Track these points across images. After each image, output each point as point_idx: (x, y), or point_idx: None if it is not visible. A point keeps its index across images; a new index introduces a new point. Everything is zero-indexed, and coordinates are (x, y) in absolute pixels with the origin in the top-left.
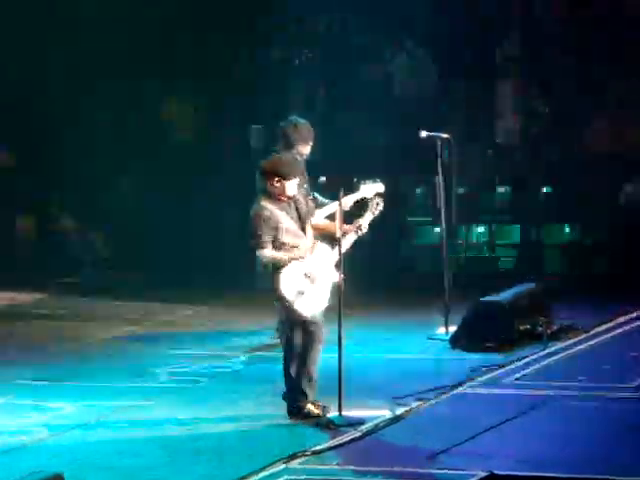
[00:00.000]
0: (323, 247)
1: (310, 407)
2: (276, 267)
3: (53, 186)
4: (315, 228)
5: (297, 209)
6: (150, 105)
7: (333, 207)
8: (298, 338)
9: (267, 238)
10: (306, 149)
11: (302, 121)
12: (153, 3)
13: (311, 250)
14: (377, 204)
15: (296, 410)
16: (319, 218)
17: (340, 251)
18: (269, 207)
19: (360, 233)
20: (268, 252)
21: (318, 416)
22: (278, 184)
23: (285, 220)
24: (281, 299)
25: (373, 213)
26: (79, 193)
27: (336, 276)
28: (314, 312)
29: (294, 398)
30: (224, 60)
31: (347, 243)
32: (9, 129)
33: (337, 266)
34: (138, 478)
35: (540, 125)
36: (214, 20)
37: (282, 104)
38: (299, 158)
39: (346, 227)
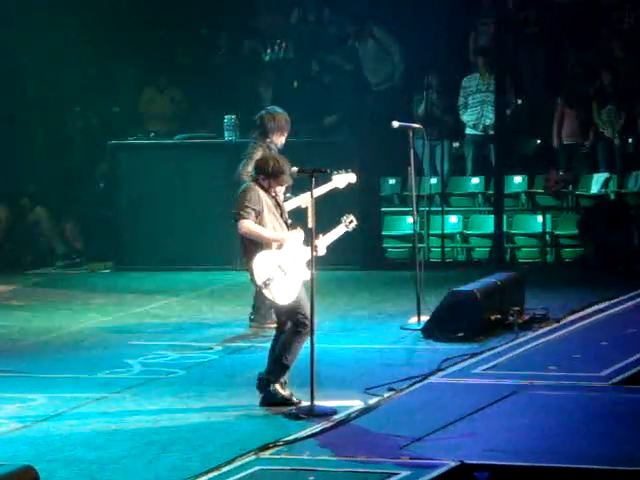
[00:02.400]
0: (299, 237)
1: (277, 387)
2: (251, 248)
3: (26, 177)
4: None
5: (279, 205)
6: (125, 94)
7: (300, 199)
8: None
9: (251, 211)
10: (281, 139)
11: (279, 111)
12: None
13: (286, 242)
14: (351, 221)
15: (264, 383)
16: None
17: (313, 243)
18: (257, 189)
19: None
20: (249, 222)
21: (284, 399)
22: (265, 182)
23: (269, 205)
24: (253, 282)
25: (347, 227)
26: (52, 183)
27: (307, 273)
28: (284, 301)
29: (269, 371)
30: (200, 50)
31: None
32: None
33: (309, 260)
34: (108, 470)
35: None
36: (189, 11)
37: (255, 95)
38: (274, 147)
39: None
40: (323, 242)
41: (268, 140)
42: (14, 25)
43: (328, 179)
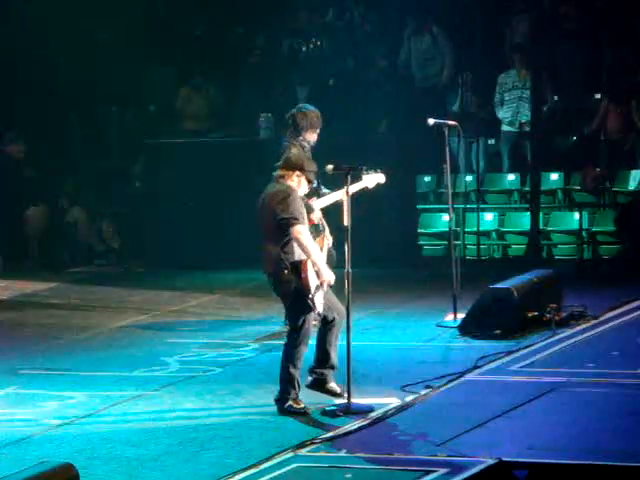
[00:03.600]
0: (326, 243)
1: (292, 402)
2: (299, 255)
3: (64, 176)
4: None
5: (306, 205)
6: (163, 93)
7: (333, 197)
8: (305, 340)
9: (300, 215)
10: (313, 137)
11: (311, 108)
12: None
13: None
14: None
15: (283, 401)
16: (316, 208)
17: (348, 241)
18: (297, 190)
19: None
20: (305, 230)
21: (299, 412)
22: (297, 178)
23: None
24: (306, 290)
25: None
26: (89, 183)
27: (331, 276)
28: (322, 310)
29: (285, 389)
30: (238, 49)
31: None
32: (20, 119)
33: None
34: (147, 467)
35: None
36: (227, 9)
37: (292, 93)
38: (306, 145)
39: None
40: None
41: (300, 138)
42: (51, 25)
43: (359, 178)
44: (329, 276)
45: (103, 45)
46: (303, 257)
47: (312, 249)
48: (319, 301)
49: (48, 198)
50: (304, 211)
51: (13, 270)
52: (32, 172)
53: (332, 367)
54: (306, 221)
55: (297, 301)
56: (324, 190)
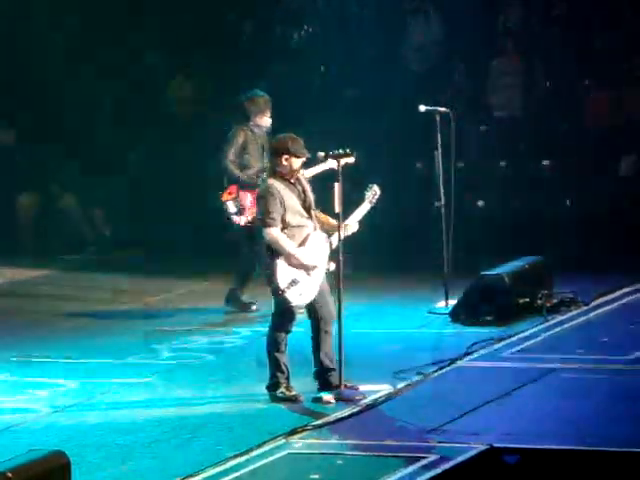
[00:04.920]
0: (320, 236)
1: (284, 389)
2: (275, 252)
3: (55, 163)
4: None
5: (303, 192)
6: (152, 78)
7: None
8: (284, 326)
9: (275, 216)
10: (263, 120)
11: (260, 93)
12: None
13: (309, 240)
14: (374, 193)
15: (273, 386)
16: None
17: (340, 228)
18: (276, 185)
19: (348, 232)
20: (276, 232)
21: (291, 399)
22: (286, 162)
23: (290, 200)
24: (273, 286)
25: (370, 202)
26: (80, 170)
27: (330, 265)
28: (302, 302)
29: (273, 375)
30: (227, 36)
31: (349, 230)
32: (9, 106)
33: (335, 249)
34: (137, 455)
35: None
36: None
37: (282, 79)
38: (257, 130)
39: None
40: (353, 219)
41: (251, 123)
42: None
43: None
44: (319, 266)
45: (93, 28)
46: (279, 254)
47: (285, 246)
48: (296, 293)
49: (39, 185)
50: (280, 210)
51: (4, 257)
52: (23, 159)
53: (327, 370)
54: (278, 221)
55: (273, 294)
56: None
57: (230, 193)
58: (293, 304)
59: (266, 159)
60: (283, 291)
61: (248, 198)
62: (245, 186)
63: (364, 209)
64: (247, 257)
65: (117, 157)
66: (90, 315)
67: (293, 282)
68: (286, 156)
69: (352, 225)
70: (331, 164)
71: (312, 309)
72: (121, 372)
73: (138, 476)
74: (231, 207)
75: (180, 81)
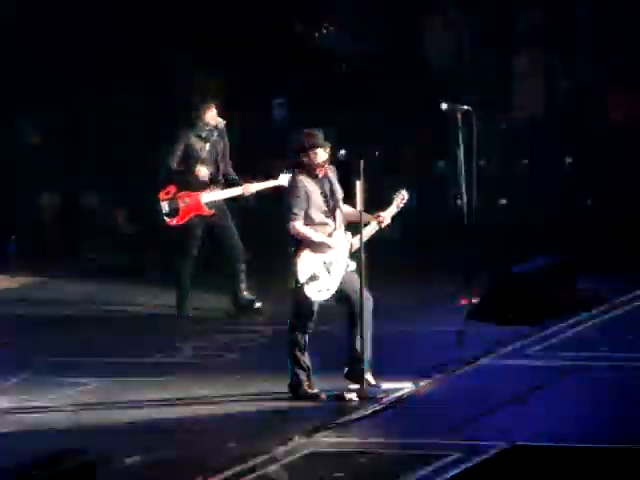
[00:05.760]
0: (342, 235)
1: (305, 388)
2: (299, 244)
3: (78, 164)
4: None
5: (330, 187)
6: (175, 77)
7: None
8: (303, 324)
9: (298, 211)
10: (209, 116)
11: (198, 97)
12: None
13: (333, 236)
14: (402, 197)
15: (294, 385)
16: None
17: (361, 227)
18: (302, 180)
19: (382, 225)
20: (299, 225)
21: (312, 397)
22: (308, 158)
23: (315, 196)
24: (293, 281)
25: (398, 206)
26: (106, 170)
27: (351, 265)
28: (320, 298)
29: (295, 373)
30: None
31: (367, 233)
32: (36, 107)
33: (357, 248)
34: (162, 455)
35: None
36: None
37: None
38: (206, 130)
39: (367, 216)
40: (388, 214)
41: (200, 124)
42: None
43: (275, 177)
44: (339, 260)
45: (120, 28)
46: (302, 247)
47: (312, 236)
48: (315, 289)
49: (64, 185)
50: (303, 204)
51: (28, 257)
52: (47, 158)
53: (356, 360)
54: (301, 216)
55: (293, 289)
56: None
57: (167, 193)
58: (311, 299)
59: (223, 161)
60: (302, 285)
61: (185, 201)
62: (187, 188)
63: (390, 212)
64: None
65: (139, 156)
66: (112, 314)
67: (313, 277)
68: (306, 152)
69: (387, 219)
70: (282, 181)
71: (347, 299)
72: (144, 370)
73: (162, 474)
74: (164, 208)
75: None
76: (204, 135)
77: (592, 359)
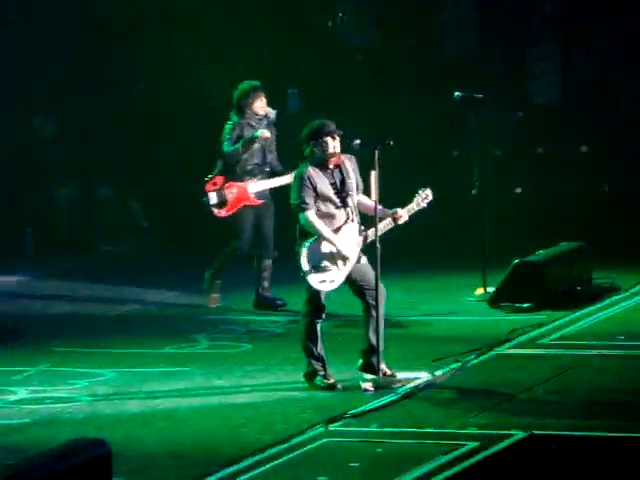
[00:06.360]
0: (354, 228)
1: (321, 377)
2: (307, 234)
3: (94, 156)
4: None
5: (342, 178)
6: (187, 70)
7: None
8: (315, 313)
9: (309, 200)
10: (257, 107)
11: (250, 82)
12: None
13: (341, 230)
14: (425, 197)
15: (310, 374)
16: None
17: (376, 215)
18: (310, 170)
19: (399, 222)
20: (311, 215)
21: (329, 387)
22: (319, 148)
23: (323, 186)
24: (299, 269)
25: (418, 205)
26: (119, 163)
27: (363, 258)
28: (323, 288)
29: (310, 363)
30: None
31: (381, 228)
32: (48, 98)
33: (369, 238)
34: (177, 444)
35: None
36: None
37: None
38: (254, 123)
39: (384, 211)
40: (407, 211)
41: (247, 115)
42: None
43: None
44: (350, 255)
45: (134, 23)
46: (308, 238)
47: (320, 230)
48: (317, 279)
49: (78, 178)
50: (312, 194)
51: (44, 249)
52: (61, 152)
53: (371, 351)
54: (312, 205)
55: (301, 276)
56: None
57: (214, 184)
58: (314, 288)
59: (269, 151)
60: (305, 273)
61: (233, 192)
62: (234, 179)
63: (410, 209)
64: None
65: (153, 149)
66: (127, 305)
67: (316, 267)
68: (315, 141)
69: (404, 216)
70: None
71: (360, 292)
72: (160, 361)
73: (179, 465)
74: (212, 199)
75: (214, 72)
76: (254, 124)
77: (608, 348)
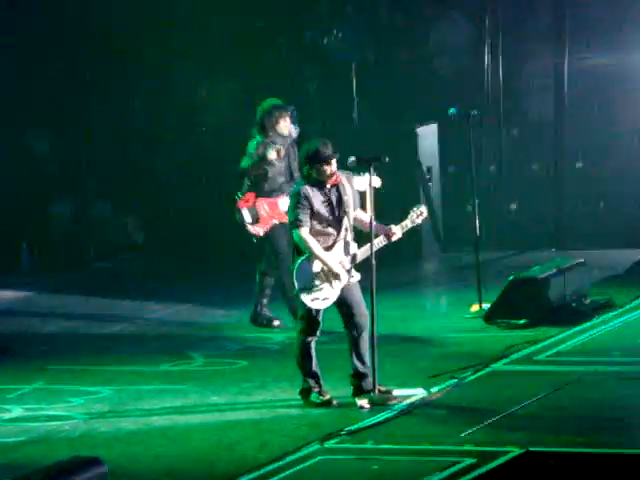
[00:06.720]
0: (345, 245)
1: (316, 394)
2: (299, 253)
3: (88, 171)
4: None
5: (338, 196)
6: (183, 88)
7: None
8: (310, 330)
9: (304, 218)
10: (281, 128)
11: (273, 102)
12: None
13: (334, 248)
14: (420, 214)
15: (306, 391)
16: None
17: (372, 235)
18: (307, 188)
19: (392, 239)
20: (305, 233)
21: (324, 403)
22: (315, 170)
23: (318, 204)
24: (292, 287)
25: (413, 222)
26: (114, 178)
27: (356, 275)
28: (315, 307)
29: (305, 380)
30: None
31: (376, 244)
32: (43, 115)
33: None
34: (173, 462)
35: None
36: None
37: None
38: (278, 140)
39: (378, 227)
40: (400, 228)
41: (271, 134)
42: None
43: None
44: (342, 275)
45: (125, 39)
46: (302, 254)
47: (313, 248)
48: (310, 297)
49: (73, 193)
50: (308, 212)
51: (38, 265)
52: (56, 167)
53: (358, 375)
54: (307, 223)
55: (294, 295)
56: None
57: (247, 201)
58: (307, 306)
59: (294, 168)
60: (298, 292)
61: (265, 208)
62: (263, 195)
63: (404, 226)
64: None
65: (149, 164)
66: (123, 321)
67: (308, 285)
68: (311, 165)
69: (398, 233)
70: (356, 186)
71: (346, 315)
72: (156, 379)
73: None
74: (247, 216)
75: (208, 89)
76: (279, 143)
77: (604, 364)
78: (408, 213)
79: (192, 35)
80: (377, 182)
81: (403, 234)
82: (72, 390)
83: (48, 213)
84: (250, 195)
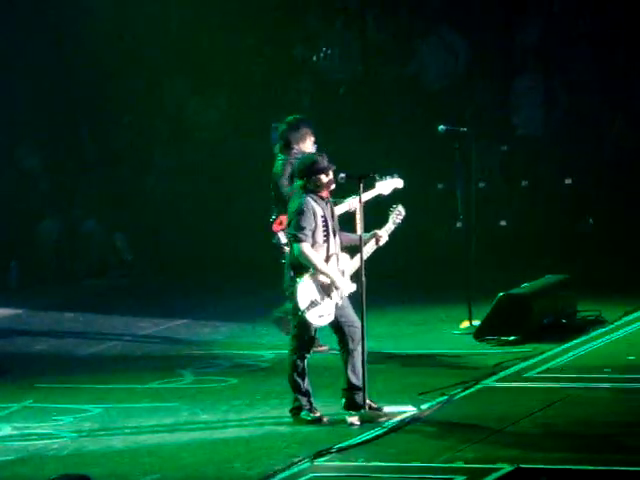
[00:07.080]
0: (342, 257)
1: (307, 412)
2: (298, 270)
3: (77, 189)
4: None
5: (331, 209)
6: (173, 104)
7: (349, 203)
8: (303, 348)
9: (308, 232)
10: (305, 146)
11: (297, 118)
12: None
13: (331, 260)
14: (399, 213)
15: (296, 409)
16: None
17: (361, 251)
18: (311, 201)
19: (380, 243)
20: (307, 248)
21: (315, 421)
22: (313, 182)
23: (320, 217)
24: (295, 307)
25: (394, 222)
26: (103, 196)
27: (351, 287)
28: (321, 323)
29: (296, 398)
30: (245, 59)
31: (366, 252)
32: (32, 132)
33: (357, 269)
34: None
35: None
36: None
37: (304, 102)
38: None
39: (365, 236)
40: (385, 231)
41: (294, 151)
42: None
43: (372, 185)
44: (344, 287)
45: (114, 56)
46: (301, 274)
47: (317, 263)
48: (316, 315)
49: (62, 210)
50: (312, 225)
51: (27, 282)
52: (46, 185)
53: (352, 389)
54: (310, 237)
55: (293, 314)
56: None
57: (280, 224)
58: (313, 325)
59: None
60: (303, 312)
61: None
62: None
63: (388, 229)
64: None
65: (137, 182)
66: (112, 340)
67: (313, 303)
68: (309, 177)
69: (384, 237)
70: (380, 190)
71: (339, 329)
72: (145, 396)
73: None
74: (282, 238)
75: (197, 105)
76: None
77: (594, 381)
78: (388, 215)
79: (182, 52)
80: (400, 183)
81: (388, 236)
82: (61, 408)
83: (37, 230)
84: (283, 217)
